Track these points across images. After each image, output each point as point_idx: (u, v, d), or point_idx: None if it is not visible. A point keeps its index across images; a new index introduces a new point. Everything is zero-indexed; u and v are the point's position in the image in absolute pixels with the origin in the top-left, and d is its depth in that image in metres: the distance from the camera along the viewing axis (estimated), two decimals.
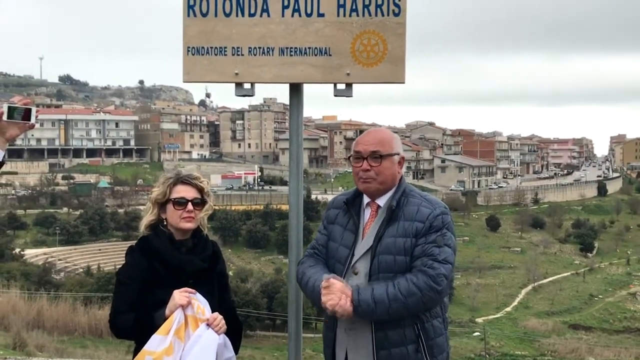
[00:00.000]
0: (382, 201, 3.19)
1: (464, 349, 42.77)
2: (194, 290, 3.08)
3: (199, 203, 3.26)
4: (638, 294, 69.00)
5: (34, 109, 3.27)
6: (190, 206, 3.22)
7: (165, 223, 3.27)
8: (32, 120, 3.27)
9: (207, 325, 3.03)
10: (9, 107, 3.24)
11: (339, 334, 3.20)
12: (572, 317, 60.59)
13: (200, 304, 3.06)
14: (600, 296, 68.46)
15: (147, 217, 3.27)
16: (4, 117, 3.23)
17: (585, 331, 55.95)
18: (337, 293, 2.99)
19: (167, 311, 3.02)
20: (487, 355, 41.73)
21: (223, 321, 3.11)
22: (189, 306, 3.02)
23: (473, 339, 47.30)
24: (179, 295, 3.03)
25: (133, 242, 3.30)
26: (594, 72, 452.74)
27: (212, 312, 3.10)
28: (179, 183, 3.26)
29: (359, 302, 2.96)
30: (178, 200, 3.22)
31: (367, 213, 3.24)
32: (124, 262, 3.24)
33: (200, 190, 3.30)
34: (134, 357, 3.17)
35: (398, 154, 3.21)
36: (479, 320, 56.24)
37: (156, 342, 2.95)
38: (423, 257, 3.01)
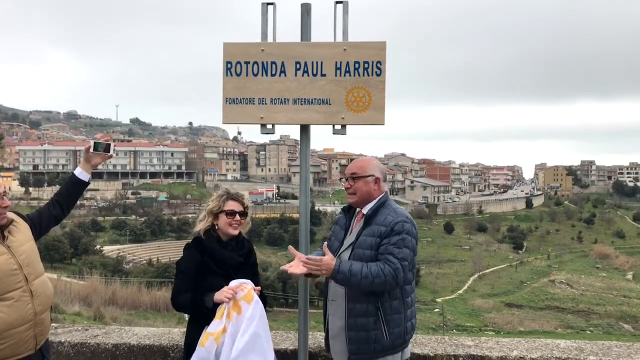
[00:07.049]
0: (366, 210, 3.17)
1: (427, 322, 42.46)
2: (234, 291, 3.02)
3: (243, 214, 3.29)
4: (556, 280, 68.82)
5: (112, 144, 3.32)
6: (237, 217, 3.25)
7: (216, 228, 3.26)
8: (111, 152, 3.32)
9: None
10: (94, 143, 3.30)
11: (327, 304, 3.21)
12: (507, 297, 60.39)
13: (243, 284, 3.07)
14: (528, 282, 68.34)
15: (204, 223, 3.25)
16: (91, 150, 3.27)
17: (517, 308, 55.70)
18: (292, 264, 3.02)
19: (215, 297, 3.01)
20: (445, 327, 41.36)
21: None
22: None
23: (434, 314, 47.02)
24: (220, 296, 2.99)
25: (185, 241, 3.30)
26: (524, 116, 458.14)
27: None
28: (230, 199, 3.27)
29: (339, 270, 2.93)
30: (229, 212, 3.23)
31: (356, 218, 3.25)
32: (182, 255, 3.21)
33: (244, 205, 3.31)
34: (188, 325, 3.19)
35: (372, 176, 3.18)
36: (439, 300, 56.08)
37: (214, 325, 2.95)
38: (387, 254, 2.95)
